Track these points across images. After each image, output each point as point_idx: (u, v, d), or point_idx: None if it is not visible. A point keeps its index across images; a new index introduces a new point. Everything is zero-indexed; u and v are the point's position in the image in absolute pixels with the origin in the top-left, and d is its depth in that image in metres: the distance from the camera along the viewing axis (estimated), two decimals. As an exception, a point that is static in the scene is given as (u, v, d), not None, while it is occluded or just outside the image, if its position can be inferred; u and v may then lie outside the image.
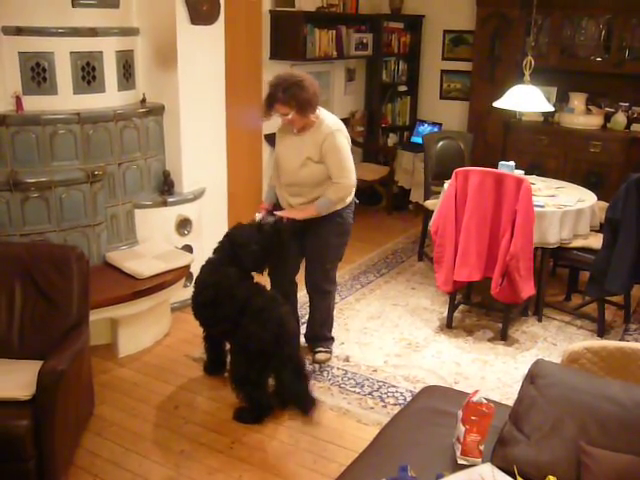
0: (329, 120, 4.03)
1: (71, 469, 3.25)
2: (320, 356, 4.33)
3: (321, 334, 4.37)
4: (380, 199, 7.91)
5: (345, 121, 7.60)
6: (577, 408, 2.38)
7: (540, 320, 4.96)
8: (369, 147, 8.03)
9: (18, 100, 4.23)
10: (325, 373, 4.18)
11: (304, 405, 3.62)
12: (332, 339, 4.45)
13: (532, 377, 2.54)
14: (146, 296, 4.26)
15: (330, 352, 4.38)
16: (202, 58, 4.87)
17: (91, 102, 4.46)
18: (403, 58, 7.99)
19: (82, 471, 3.26)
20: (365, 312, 5.07)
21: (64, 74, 4.33)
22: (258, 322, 3.57)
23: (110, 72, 4.55)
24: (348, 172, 4.00)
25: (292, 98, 3.80)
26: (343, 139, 4.02)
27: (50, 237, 4.23)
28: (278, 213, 4.02)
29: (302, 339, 4.32)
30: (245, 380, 3.63)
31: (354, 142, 7.74)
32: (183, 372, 4.17)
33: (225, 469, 3.30)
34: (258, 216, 4.14)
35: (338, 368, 4.25)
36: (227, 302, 3.70)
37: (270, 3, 6.34)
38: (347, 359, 4.36)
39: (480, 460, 2.48)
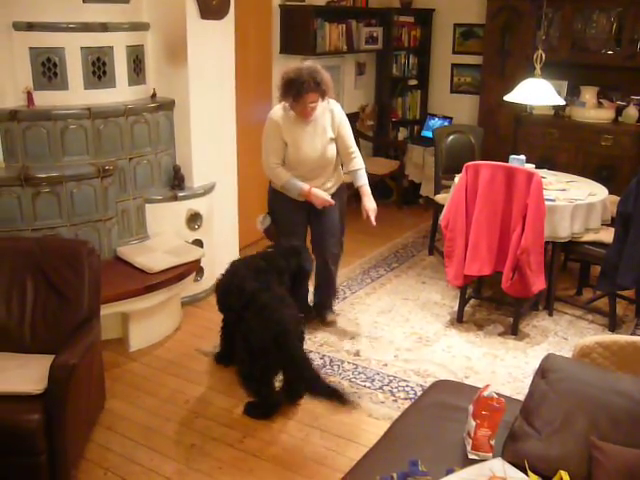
0: (330, 99, 4.30)
1: (82, 463, 3.27)
2: (332, 317, 4.76)
3: (332, 299, 4.80)
4: (390, 193, 7.90)
5: (355, 115, 7.70)
6: (588, 402, 2.38)
7: (551, 314, 4.94)
8: (379, 141, 8.02)
9: (29, 95, 4.24)
10: (336, 367, 4.18)
11: (335, 400, 3.49)
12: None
13: (543, 371, 2.54)
14: (157, 290, 4.27)
15: (334, 313, 4.82)
16: (212, 53, 4.87)
17: (102, 97, 4.48)
18: (413, 52, 7.98)
19: (93, 465, 3.28)
20: (375, 306, 5.07)
21: (75, 69, 4.34)
22: (259, 319, 3.55)
23: (120, 67, 4.56)
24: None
25: (323, 86, 4.07)
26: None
27: (61, 232, 4.25)
28: (370, 212, 4.33)
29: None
30: (250, 376, 3.62)
31: (364, 136, 7.78)
32: (194, 366, 4.18)
33: (236, 463, 3.31)
34: (259, 220, 4.48)
35: (349, 362, 4.25)
36: (235, 292, 3.74)
37: (280, -3, 6.34)
38: (357, 353, 4.36)
39: (491, 455, 2.47)
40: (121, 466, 3.28)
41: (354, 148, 4.40)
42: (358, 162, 4.42)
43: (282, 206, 4.43)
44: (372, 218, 4.32)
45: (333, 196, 4.38)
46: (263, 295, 3.66)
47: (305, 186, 4.27)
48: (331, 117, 4.27)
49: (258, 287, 3.71)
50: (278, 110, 4.26)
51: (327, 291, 4.72)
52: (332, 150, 4.31)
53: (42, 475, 2.92)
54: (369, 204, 4.36)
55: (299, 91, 4.01)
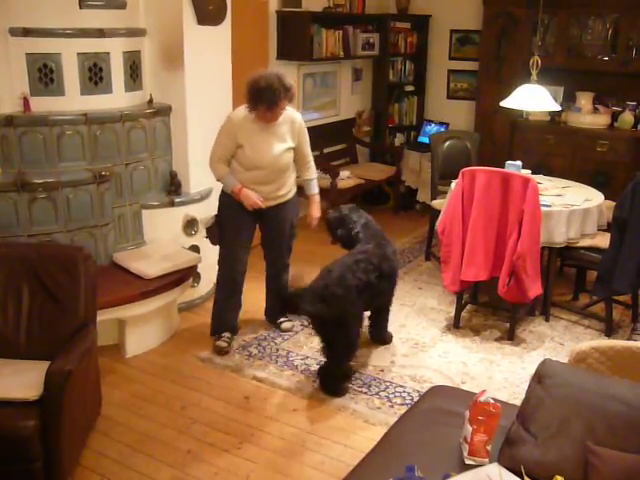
0: (292, 108, 4.29)
1: (78, 469, 3.25)
2: (287, 324, 4.75)
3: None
4: (387, 199, 7.91)
5: (352, 121, 7.71)
6: (584, 408, 2.38)
7: (547, 320, 4.94)
8: (376, 147, 8.03)
9: (25, 101, 4.24)
10: (332, 373, 4.18)
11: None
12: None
13: (539, 377, 2.54)
14: (153, 296, 4.27)
15: (291, 320, 4.80)
16: (209, 58, 4.88)
17: (98, 103, 4.48)
18: (410, 58, 8.00)
19: (89, 471, 3.27)
20: (372, 312, 5.06)
21: (71, 75, 4.35)
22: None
23: (117, 73, 4.56)
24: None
25: (292, 91, 4.06)
26: None
27: (57, 238, 4.24)
28: (313, 219, 4.51)
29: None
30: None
31: (361, 142, 7.79)
32: (190, 372, 4.18)
33: (232, 469, 3.30)
34: (205, 219, 4.55)
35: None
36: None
37: (277, 3, 6.36)
38: (354, 359, 4.35)
39: (487, 460, 2.47)
40: (117, 472, 3.27)
41: (311, 157, 4.46)
42: (313, 172, 4.50)
43: (230, 209, 4.33)
44: (313, 224, 4.52)
45: (285, 204, 4.39)
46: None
47: (237, 184, 4.21)
48: (291, 126, 4.24)
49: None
50: (240, 111, 4.19)
51: (277, 297, 4.63)
52: (288, 158, 4.27)
53: (38, 482, 2.92)
54: (315, 212, 4.52)
55: (272, 100, 3.97)
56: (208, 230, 4.47)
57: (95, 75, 4.45)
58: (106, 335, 4.31)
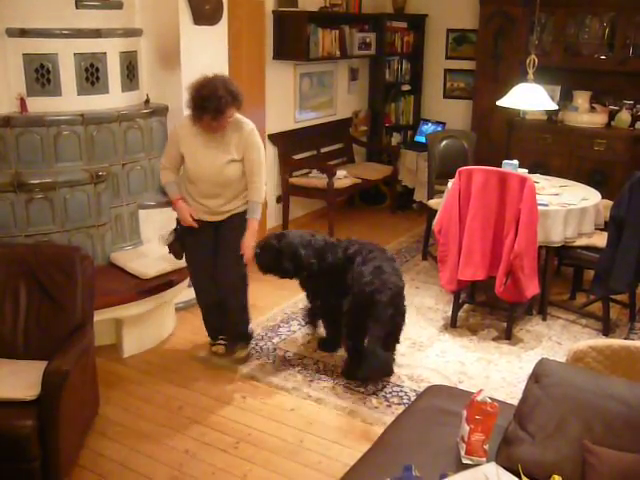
0: (243, 118, 4.00)
1: (76, 469, 3.25)
2: (240, 354, 4.30)
3: (240, 331, 4.33)
4: (384, 198, 7.91)
5: (348, 120, 7.71)
6: (582, 407, 2.38)
7: (545, 319, 4.95)
8: (373, 146, 8.03)
9: (22, 102, 4.24)
10: (329, 372, 4.18)
11: None
12: (251, 335, 4.43)
13: (537, 376, 2.54)
14: (150, 296, 4.26)
15: (248, 345, 4.38)
16: (205, 58, 4.87)
17: (95, 103, 4.48)
18: (406, 57, 8.00)
19: (87, 471, 3.27)
20: (369, 311, 5.06)
21: (68, 75, 4.35)
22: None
23: (114, 73, 4.56)
24: (264, 171, 4.04)
25: (239, 98, 3.83)
26: (259, 138, 4.05)
27: (54, 238, 4.24)
28: (244, 247, 4.01)
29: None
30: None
31: (358, 141, 7.79)
32: (187, 372, 4.18)
33: (229, 469, 3.30)
34: (164, 236, 4.21)
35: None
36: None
37: (273, 3, 6.36)
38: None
39: (485, 459, 2.47)
40: (115, 472, 3.27)
41: (256, 177, 3.98)
42: (255, 194, 4.01)
43: (186, 227, 4.05)
44: (245, 254, 4.01)
45: (237, 216, 4.04)
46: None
47: (174, 195, 4.04)
48: (238, 137, 3.92)
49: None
50: (185, 121, 3.97)
51: (230, 327, 4.35)
52: (233, 171, 3.93)
53: (35, 481, 2.92)
54: (247, 240, 4.00)
55: (218, 108, 3.69)
56: (169, 247, 4.19)
57: (92, 75, 4.45)
58: (103, 335, 4.32)
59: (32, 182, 4.13)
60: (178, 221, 4.14)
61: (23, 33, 4.19)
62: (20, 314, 3.42)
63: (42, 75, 4.29)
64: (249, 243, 4.02)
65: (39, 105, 4.30)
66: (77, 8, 4.34)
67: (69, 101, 4.39)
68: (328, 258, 4.16)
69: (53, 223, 4.23)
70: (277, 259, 4.16)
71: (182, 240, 4.13)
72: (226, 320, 4.31)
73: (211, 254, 4.11)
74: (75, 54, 4.34)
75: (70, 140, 4.32)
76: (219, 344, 4.38)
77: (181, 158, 3.98)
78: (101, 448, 3.44)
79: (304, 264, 4.15)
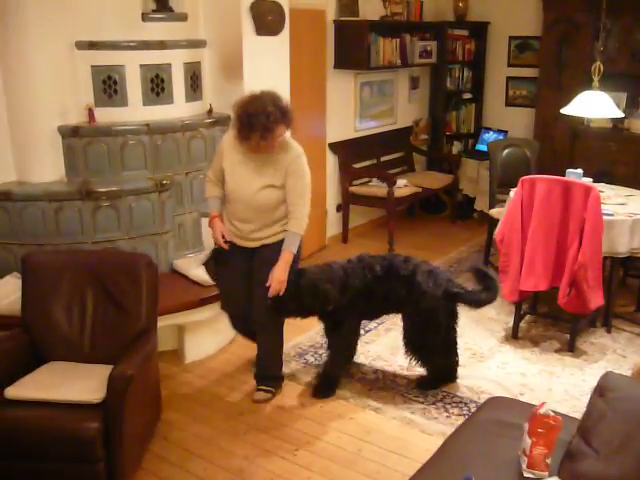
0: (294, 142, 3.74)
1: (139, 472, 3.32)
2: (258, 395, 3.97)
3: (268, 372, 4.03)
4: (444, 207, 7.85)
5: (409, 129, 7.69)
6: (648, 423, 2.32)
7: (609, 331, 4.83)
8: (433, 155, 7.99)
9: (90, 112, 4.37)
10: (389, 382, 4.17)
11: None
12: (281, 378, 4.12)
13: (601, 390, 2.49)
14: (212, 303, 4.31)
15: (272, 391, 3.99)
16: (267, 68, 4.94)
17: (160, 113, 4.58)
18: (468, 65, 7.94)
19: (149, 474, 3.33)
20: (429, 321, 5.02)
21: (134, 86, 4.46)
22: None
23: (178, 83, 4.66)
24: (307, 200, 3.72)
25: (289, 115, 3.57)
26: (307, 165, 3.74)
27: (120, 245, 4.35)
28: (272, 280, 3.67)
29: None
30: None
31: (418, 150, 7.76)
32: (247, 379, 4.21)
33: (288, 475, 3.32)
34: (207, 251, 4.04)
35: (402, 377, 4.23)
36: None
37: (334, 13, 6.39)
38: (411, 368, 4.33)
39: (547, 474, 2.43)
40: (176, 476, 3.33)
41: (297, 207, 3.68)
42: (293, 224, 3.69)
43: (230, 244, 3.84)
44: (271, 289, 3.64)
45: (272, 246, 3.75)
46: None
47: (214, 211, 3.84)
48: (282, 161, 3.64)
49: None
50: (231, 135, 3.75)
51: (257, 363, 4.05)
52: (268, 197, 3.64)
53: (100, 483, 2.99)
54: (277, 272, 3.64)
55: (267, 127, 3.42)
56: (205, 266, 4.04)
57: (157, 86, 4.56)
58: (166, 341, 4.40)
59: (99, 190, 4.25)
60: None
61: (92, 46, 4.32)
62: (87, 319, 3.52)
63: (109, 86, 4.42)
64: (279, 276, 3.64)
65: (106, 115, 4.43)
66: (143, 21, 4.46)
67: (135, 111, 4.50)
68: (355, 283, 3.86)
69: (119, 230, 4.34)
70: (298, 297, 3.77)
71: (217, 261, 3.92)
72: (256, 355, 4.04)
73: (242, 282, 3.85)
74: (141, 65, 4.45)
75: (136, 149, 4.44)
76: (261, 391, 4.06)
77: (222, 172, 3.79)
78: (163, 452, 3.51)
79: (330, 298, 3.79)
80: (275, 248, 3.73)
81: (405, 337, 4.01)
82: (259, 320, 3.87)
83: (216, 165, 3.84)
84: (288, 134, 3.71)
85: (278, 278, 3.65)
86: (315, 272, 3.88)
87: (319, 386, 4.05)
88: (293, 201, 3.68)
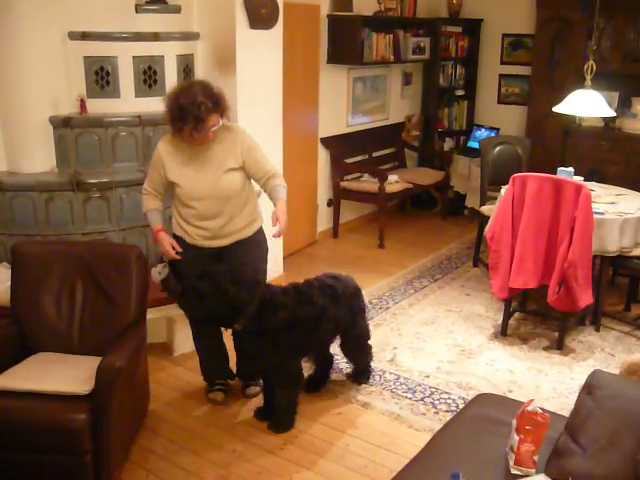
0: (230, 122, 3.61)
1: (126, 464, 3.32)
2: (250, 391, 3.97)
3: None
4: (435, 204, 7.86)
5: (401, 125, 7.70)
6: (636, 421, 2.33)
7: (598, 330, 4.85)
8: (425, 151, 7.99)
9: (82, 103, 4.36)
10: (377, 377, 4.17)
11: None
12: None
13: (589, 388, 2.50)
14: (202, 296, 4.31)
15: (261, 385, 3.90)
16: (260, 62, 4.92)
17: (152, 105, 4.55)
18: (461, 62, 7.95)
19: (136, 466, 3.33)
20: (418, 317, 5.04)
21: (126, 78, 4.45)
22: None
23: (171, 76, 4.64)
24: (272, 163, 3.67)
25: (222, 103, 3.41)
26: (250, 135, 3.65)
27: (110, 236, 4.34)
28: (278, 230, 3.47)
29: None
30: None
31: (410, 146, 7.76)
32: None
33: (276, 470, 3.32)
34: (157, 270, 3.66)
35: (390, 373, 4.24)
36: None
37: (328, 7, 6.38)
38: (399, 364, 4.35)
39: (534, 471, 2.44)
40: (163, 469, 3.32)
41: (269, 168, 3.59)
42: (278, 180, 3.59)
43: (183, 254, 3.59)
44: (279, 227, 3.46)
45: (244, 242, 3.66)
46: None
47: (155, 225, 3.60)
48: (232, 142, 3.52)
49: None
50: (167, 140, 3.55)
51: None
52: (233, 181, 3.52)
53: (87, 474, 2.98)
54: (281, 217, 3.45)
55: (198, 117, 3.26)
56: (163, 283, 3.69)
57: (149, 78, 4.54)
58: (155, 333, 4.38)
59: (90, 181, 4.24)
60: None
61: (84, 36, 4.30)
62: (76, 310, 3.51)
63: (102, 77, 4.40)
64: (282, 217, 3.45)
65: (98, 106, 4.41)
66: (137, 12, 4.44)
67: (127, 103, 4.49)
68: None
69: (109, 222, 4.34)
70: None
71: (178, 274, 3.62)
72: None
73: None
74: (134, 57, 4.44)
75: (127, 141, 4.43)
76: (217, 390, 3.95)
77: (165, 182, 3.56)
78: (151, 445, 3.50)
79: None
80: (249, 244, 3.68)
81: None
82: None
83: (152, 175, 3.60)
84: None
85: (286, 221, 3.48)
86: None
87: (280, 422, 3.66)
88: (263, 166, 3.59)
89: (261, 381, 3.91)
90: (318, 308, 3.60)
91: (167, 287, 3.70)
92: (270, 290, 3.55)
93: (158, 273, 3.65)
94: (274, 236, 3.53)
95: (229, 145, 3.52)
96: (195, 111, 3.25)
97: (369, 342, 4.08)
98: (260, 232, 3.77)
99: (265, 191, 3.65)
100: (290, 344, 3.51)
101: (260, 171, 3.59)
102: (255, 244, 3.73)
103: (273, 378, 3.62)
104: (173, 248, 3.57)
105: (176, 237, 3.66)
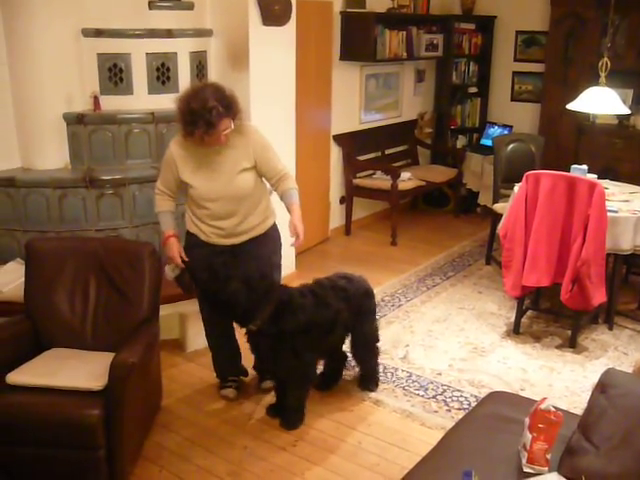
0: (243, 121, 3.57)
1: (139, 460, 3.33)
2: (267, 384, 3.99)
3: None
4: (448, 201, 7.84)
5: (414, 122, 7.68)
6: (650, 420, 2.32)
7: (611, 328, 4.83)
8: (437, 149, 7.97)
9: (96, 100, 4.38)
10: (389, 375, 4.17)
11: None
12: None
13: (603, 386, 2.49)
14: (214, 293, 4.32)
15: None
16: (273, 59, 4.93)
17: (165, 102, 4.54)
18: (474, 59, 7.92)
19: (149, 462, 3.34)
20: (430, 315, 5.04)
21: (140, 74, 4.46)
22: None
23: (184, 72, 4.65)
24: (283, 163, 3.69)
25: (234, 107, 3.38)
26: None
27: (123, 233, 4.36)
28: (297, 240, 3.55)
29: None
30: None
31: (422, 143, 7.74)
32: (248, 368, 4.21)
33: (288, 467, 3.33)
34: (170, 267, 3.65)
35: (402, 370, 4.24)
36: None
37: (341, 4, 6.38)
38: (411, 361, 4.34)
39: (547, 469, 2.44)
40: (176, 464, 3.33)
41: (281, 168, 3.62)
42: (289, 181, 3.63)
43: (196, 253, 3.61)
44: (299, 237, 3.53)
45: (259, 238, 3.67)
46: None
47: (167, 230, 3.58)
48: (245, 143, 3.51)
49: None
50: (178, 140, 3.51)
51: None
52: (247, 181, 3.52)
53: (100, 469, 3.00)
54: (298, 225, 3.52)
55: (209, 122, 3.23)
56: (177, 280, 3.68)
57: (162, 75, 4.55)
58: (168, 330, 4.38)
59: (103, 178, 4.25)
60: (185, 251, 3.66)
61: (98, 33, 4.32)
62: (89, 306, 3.53)
63: (115, 74, 4.42)
64: (299, 225, 3.52)
65: (111, 103, 4.43)
66: (150, 9, 4.45)
67: (140, 100, 4.51)
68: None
69: (122, 218, 4.35)
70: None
71: (192, 271, 3.60)
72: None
73: None
74: (147, 54, 4.45)
75: (140, 138, 4.44)
76: (230, 387, 3.96)
77: (178, 183, 3.55)
78: (163, 440, 3.52)
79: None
80: (263, 241, 3.70)
81: None
82: None
83: (166, 175, 3.57)
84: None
85: (300, 226, 3.52)
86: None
87: (291, 420, 3.68)
88: (275, 165, 3.60)
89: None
90: (333, 311, 3.62)
91: (181, 284, 3.71)
92: (287, 292, 3.55)
93: (171, 270, 3.66)
94: (292, 245, 3.58)
95: (241, 145, 3.51)
96: (206, 116, 3.23)
97: (378, 345, 4.03)
98: (274, 228, 3.77)
99: (276, 191, 3.67)
100: (307, 346, 3.53)
101: (272, 171, 3.60)
102: (269, 239, 3.73)
103: (287, 378, 3.61)
104: (180, 256, 3.57)
105: (190, 234, 3.66)
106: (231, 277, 3.34)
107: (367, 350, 3.97)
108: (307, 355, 3.57)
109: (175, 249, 3.56)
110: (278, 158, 3.64)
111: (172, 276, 3.67)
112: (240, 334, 3.81)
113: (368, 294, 3.90)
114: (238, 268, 3.41)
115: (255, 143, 3.54)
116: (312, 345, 3.57)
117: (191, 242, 3.65)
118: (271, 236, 3.75)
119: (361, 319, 3.83)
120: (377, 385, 4.04)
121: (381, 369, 4.20)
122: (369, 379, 4.04)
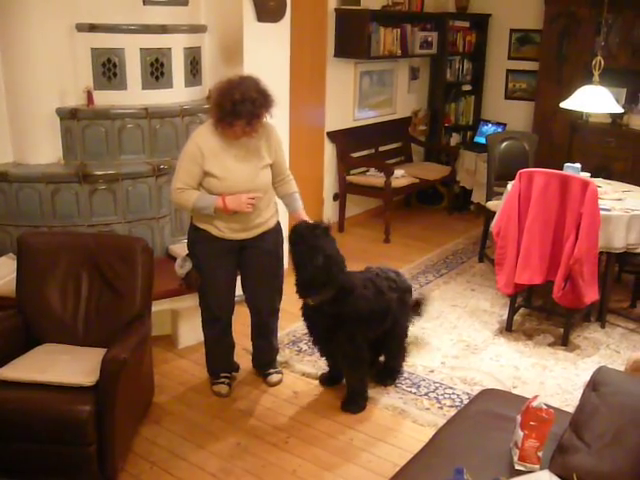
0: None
1: (130, 455, 3.33)
2: (273, 378, 4.04)
3: (275, 356, 4.15)
4: (441, 199, 7.85)
5: (408, 120, 7.68)
6: (641, 418, 2.33)
7: (603, 326, 4.84)
8: (431, 146, 7.97)
9: (89, 95, 4.36)
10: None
11: None
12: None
13: (594, 384, 2.50)
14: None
15: (282, 372, 4.12)
16: (267, 55, 4.91)
17: (158, 97, 4.56)
18: (468, 57, 7.92)
19: (140, 458, 3.34)
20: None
21: (134, 70, 4.44)
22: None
23: (178, 68, 4.64)
24: None
25: (270, 99, 3.43)
26: None
27: (116, 228, 4.34)
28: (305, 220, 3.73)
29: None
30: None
31: (416, 141, 7.74)
32: (241, 364, 4.21)
33: (279, 463, 3.33)
34: (179, 263, 3.70)
35: (394, 367, 4.24)
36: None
37: (335, 1, 6.36)
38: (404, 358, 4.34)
39: (538, 467, 2.44)
40: (167, 460, 3.33)
41: (287, 171, 3.78)
42: (294, 184, 3.81)
43: (205, 248, 3.63)
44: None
45: (267, 234, 3.71)
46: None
47: (217, 198, 3.46)
48: (267, 138, 3.57)
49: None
50: (204, 132, 3.52)
51: (267, 352, 4.09)
52: (266, 177, 3.60)
53: (91, 465, 3.00)
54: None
55: (253, 113, 3.30)
56: (186, 278, 3.70)
57: (156, 70, 4.54)
58: (160, 326, 4.39)
59: (96, 173, 4.24)
60: (189, 247, 3.73)
61: (92, 28, 4.30)
62: (81, 301, 3.52)
63: (109, 69, 4.40)
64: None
65: (105, 98, 4.41)
66: (144, 4, 4.43)
67: (134, 95, 4.48)
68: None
69: (115, 214, 4.34)
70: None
71: (199, 267, 3.66)
72: (264, 345, 4.04)
73: (232, 279, 3.77)
74: (141, 49, 4.43)
75: (134, 133, 4.42)
76: (221, 383, 3.96)
77: (201, 177, 3.50)
78: (155, 436, 3.51)
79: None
80: (272, 235, 3.76)
81: None
82: (272, 305, 3.92)
83: (192, 170, 3.48)
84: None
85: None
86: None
87: (356, 402, 3.82)
88: (285, 167, 3.77)
89: (280, 368, 4.14)
90: (387, 301, 3.82)
91: (189, 280, 3.72)
92: (350, 279, 3.69)
93: (180, 267, 3.68)
94: None
95: (265, 141, 3.59)
96: (250, 107, 3.29)
97: (406, 340, 4.15)
98: (279, 223, 3.86)
99: (276, 190, 3.78)
100: (362, 332, 3.71)
101: (281, 170, 3.73)
102: (277, 233, 3.81)
103: (343, 361, 3.81)
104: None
105: (198, 229, 3.64)
106: (320, 247, 3.53)
107: (399, 344, 4.08)
108: (360, 340, 3.71)
109: (242, 196, 3.46)
110: (287, 159, 3.79)
111: (182, 272, 3.69)
112: (237, 330, 3.92)
113: (409, 290, 4.10)
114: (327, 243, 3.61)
115: (276, 141, 3.65)
116: (367, 332, 3.75)
117: (198, 237, 3.65)
118: (278, 230, 3.83)
119: (401, 312, 3.98)
120: (394, 381, 4.07)
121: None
122: (390, 373, 4.10)
